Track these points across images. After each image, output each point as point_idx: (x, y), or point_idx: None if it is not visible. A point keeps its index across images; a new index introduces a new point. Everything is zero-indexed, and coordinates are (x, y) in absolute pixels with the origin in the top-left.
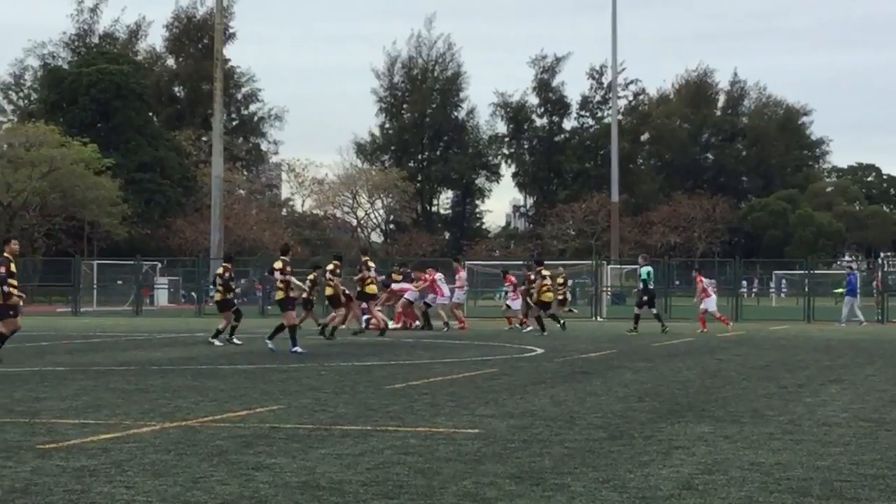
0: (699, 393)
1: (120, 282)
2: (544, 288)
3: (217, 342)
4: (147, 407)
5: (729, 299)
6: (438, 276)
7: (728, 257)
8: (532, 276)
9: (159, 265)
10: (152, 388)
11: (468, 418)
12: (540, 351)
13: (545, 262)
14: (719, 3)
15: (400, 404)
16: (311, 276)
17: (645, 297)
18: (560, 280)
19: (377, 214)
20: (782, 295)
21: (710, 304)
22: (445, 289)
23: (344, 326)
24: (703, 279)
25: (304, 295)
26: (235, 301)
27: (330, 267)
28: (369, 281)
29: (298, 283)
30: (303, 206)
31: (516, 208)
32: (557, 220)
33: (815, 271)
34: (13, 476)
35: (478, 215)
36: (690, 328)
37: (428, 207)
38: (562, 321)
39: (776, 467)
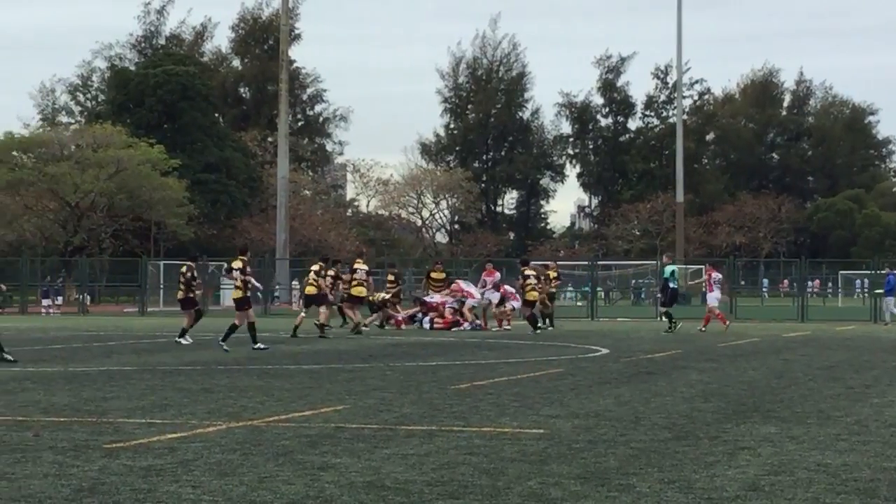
0: (765, 393)
1: None
2: (528, 287)
3: (184, 341)
4: (213, 407)
5: (795, 299)
6: (464, 283)
7: (794, 257)
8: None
9: (225, 265)
10: (218, 387)
11: (533, 418)
12: (605, 351)
13: (555, 262)
14: (785, 2)
15: (465, 404)
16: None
17: (662, 295)
18: (553, 274)
19: (442, 215)
20: (856, 296)
21: (712, 299)
22: (475, 291)
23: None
24: (714, 274)
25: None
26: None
27: (315, 268)
28: (355, 283)
29: (256, 283)
30: (368, 206)
31: (581, 208)
32: (622, 220)
33: (881, 271)
34: (80, 475)
35: (542, 215)
36: (755, 329)
37: (493, 208)
38: (546, 322)
39: (843, 468)
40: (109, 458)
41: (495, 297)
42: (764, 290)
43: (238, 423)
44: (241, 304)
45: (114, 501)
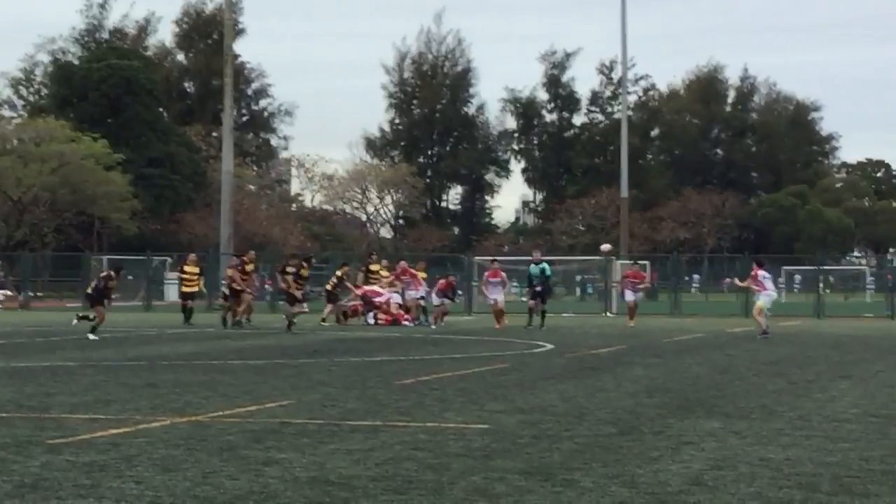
0: (709, 388)
1: (130, 277)
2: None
3: (92, 336)
4: (157, 402)
5: (739, 295)
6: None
7: (737, 253)
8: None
9: (169, 260)
10: (162, 383)
11: (477, 414)
12: (549, 346)
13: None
14: None
15: (409, 400)
16: (338, 273)
17: (539, 289)
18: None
19: (387, 210)
20: (796, 290)
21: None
22: (421, 285)
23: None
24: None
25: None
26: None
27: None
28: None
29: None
30: (312, 201)
31: (525, 204)
32: (567, 215)
33: (824, 267)
34: (23, 471)
35: (487, 211)
36: (699, 324)
37: (437, 203)
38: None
39: (785, 463)
40: (52, 453)
41: (499, 295)
42: (695, 285)
43: (182, 419)
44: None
45: (56, 497)
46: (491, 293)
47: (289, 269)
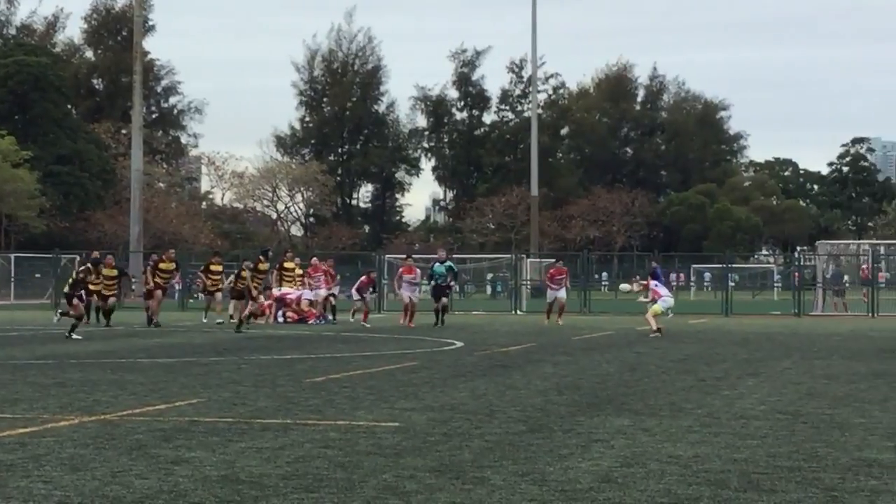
0: (618, 386)
1: (38, 275)
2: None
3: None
4: (65, 401)
5: (648, 293)
6: (323, 265)
7: (647, 251)
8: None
9: (78, 258)
10: (71, 382)
11: (388, 412)
12: (460, 344)
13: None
14: None
15: (320, 398)
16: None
17: (448, 286)
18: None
19: (297, 208)
20: (707, 288)
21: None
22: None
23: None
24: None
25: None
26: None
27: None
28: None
29: None
30: (223, 199)
31: (436, 202)
32: (477, 213)
33: (733, 265)
34: None
35: (398, 209)
36: (610, 322)
37: (348, 201)
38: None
39: (694, 460)
40: None
41: (413, 293)
42: (604, 283)
43: (91, 418)
44: None
45: None
46: (405, 290)
47: (223, 263)
